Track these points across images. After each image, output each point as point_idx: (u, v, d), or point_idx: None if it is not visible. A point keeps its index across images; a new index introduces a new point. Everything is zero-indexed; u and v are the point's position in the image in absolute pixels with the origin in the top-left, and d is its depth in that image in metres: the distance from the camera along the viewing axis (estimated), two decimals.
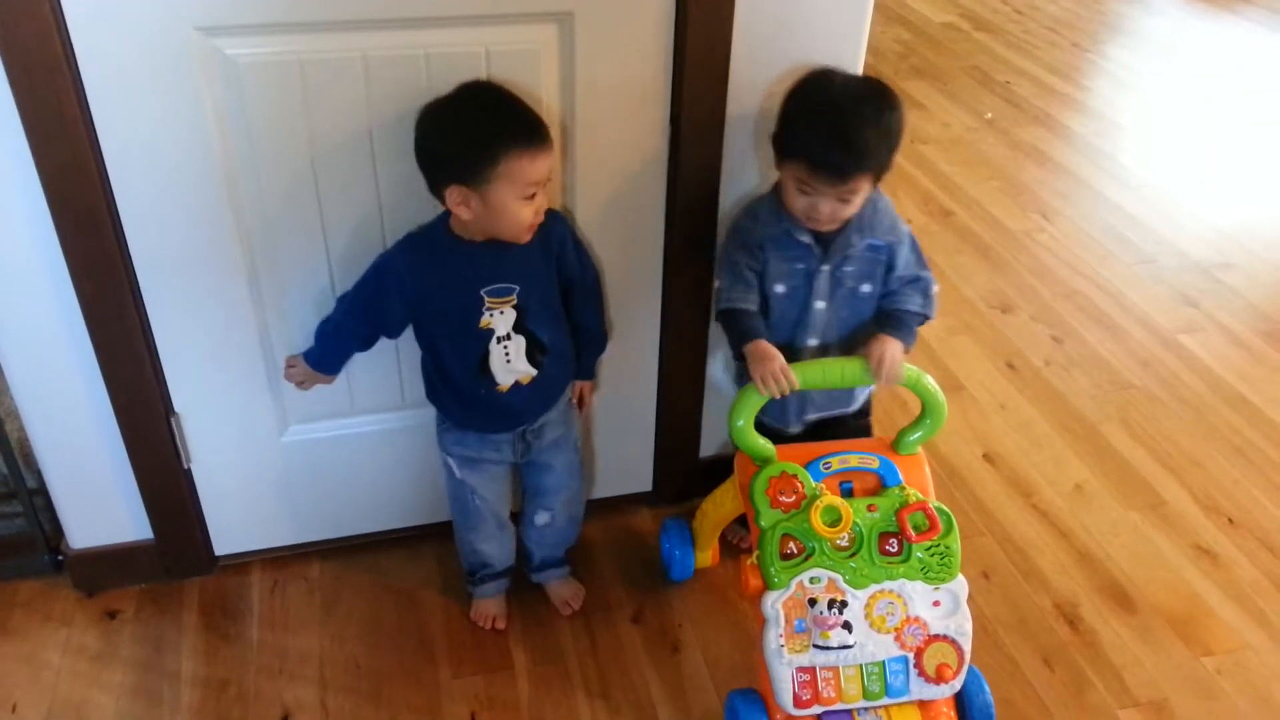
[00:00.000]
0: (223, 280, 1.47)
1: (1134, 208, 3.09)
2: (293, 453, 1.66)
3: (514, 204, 1.31)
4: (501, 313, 1.41)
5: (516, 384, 1.46)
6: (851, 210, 1.40)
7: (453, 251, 1.39)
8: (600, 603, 1.73)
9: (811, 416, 1.60)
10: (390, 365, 1.62)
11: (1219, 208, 3.13)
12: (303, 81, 1.34)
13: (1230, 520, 1.96)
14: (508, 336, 1.43)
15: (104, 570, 1.70)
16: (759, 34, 1.44)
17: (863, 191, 1.38)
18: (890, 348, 1.41)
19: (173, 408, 1.57)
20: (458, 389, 1.47)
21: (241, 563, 1.77)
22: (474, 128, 1.29)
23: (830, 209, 1.38)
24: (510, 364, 1.44)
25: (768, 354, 1.40)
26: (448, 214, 1.39)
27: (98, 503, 1.64)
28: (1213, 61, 4.38)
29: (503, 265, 1.39)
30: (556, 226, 1.45)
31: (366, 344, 1.51)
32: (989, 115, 3.69)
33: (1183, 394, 2.30)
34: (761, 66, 1.47)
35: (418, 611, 1.71)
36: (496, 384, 1.45)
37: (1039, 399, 2.27)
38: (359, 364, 1.58)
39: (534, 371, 1.46)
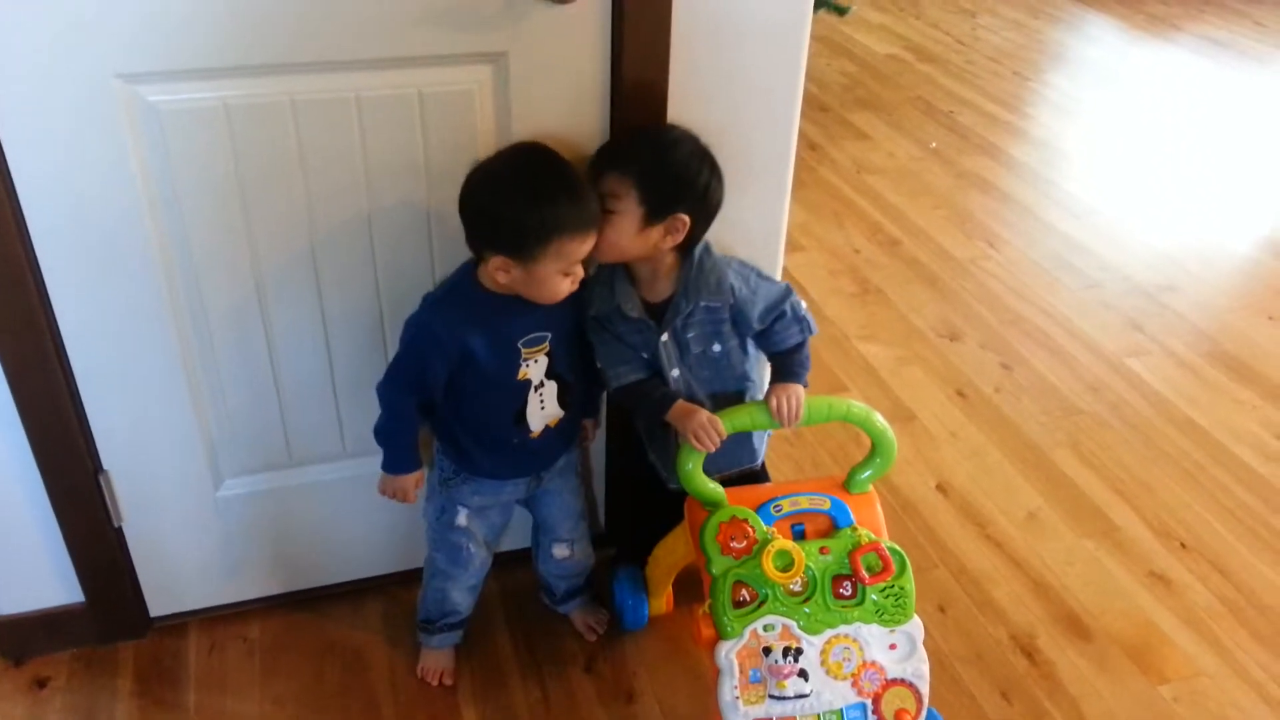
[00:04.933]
0: (151, 332, 1.42)
1: (1078, 233, 3.12)
2: (229, 508, 1.61)
3: (555, 278, 1.31)
4: (536, 361, 1.40)
5: (546, 428, 1.45)
6: (610, 229, 1.34)
7: (488, 306, 1.36)
8: (552, 653, 1.69)
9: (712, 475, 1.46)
10: (329, 413, 1.57)
11: (1161, 231, 3.17)
12: (229, 127, 1.30)
13: (1183, 544, 1.96)
14: (541, 384, 1.42)
15: (32, 636, 1.63)
16: (696, 72, 1.43)
17: (621, 205, 1.33)
18: (787, 392, 1.40)
19: (101, 465, 1.51)
20: (488, 441, 1.45)
21: (177, 624, 1.70)
22: (529, 207, 1.26)
23: None
24: (544, 410, 1.44)
25: (689, 409, 1.39)
26: (471, 266, 1.37)
27: (24, 565, 1.57)
28: (1151, 88, 4.47)
29: (536, 315, 1.38)
30: None
31: (423, 417, 1.46)
32: (934, 145, 3.73)
33: (1131, 418, 2.31)
34: (699, 104, 1.45)
35: (362, 669, 1.65)
36: (531, 431, 1.44)
37: (990, 427, 2.27)
38: (295, 412, 1.55)
39: (563, 413, 1.46)
